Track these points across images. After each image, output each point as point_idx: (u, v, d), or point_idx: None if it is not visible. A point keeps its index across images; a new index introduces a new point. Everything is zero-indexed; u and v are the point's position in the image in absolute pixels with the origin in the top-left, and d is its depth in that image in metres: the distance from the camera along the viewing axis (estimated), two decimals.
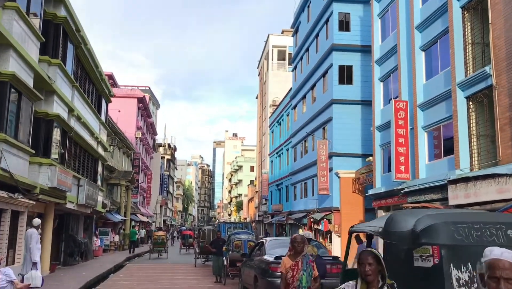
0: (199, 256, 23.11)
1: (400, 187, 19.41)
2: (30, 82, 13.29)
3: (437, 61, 18.15)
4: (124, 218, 37.53)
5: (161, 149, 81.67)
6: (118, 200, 38.36)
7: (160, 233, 29.68)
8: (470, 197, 14.38)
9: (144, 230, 48.51)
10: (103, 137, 24.40)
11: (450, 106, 16.78)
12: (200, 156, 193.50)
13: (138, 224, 46.00)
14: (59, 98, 15.99)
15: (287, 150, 43.11)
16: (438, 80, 17.85)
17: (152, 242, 28.68)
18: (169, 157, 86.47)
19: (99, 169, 24.07)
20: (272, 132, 51.68)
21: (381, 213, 22.23)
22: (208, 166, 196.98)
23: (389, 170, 21.91)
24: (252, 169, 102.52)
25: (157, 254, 28.47)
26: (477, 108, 15.63)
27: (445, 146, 17.60)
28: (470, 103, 15.73)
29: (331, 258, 9.72)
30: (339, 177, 28.41)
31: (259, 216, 56.59)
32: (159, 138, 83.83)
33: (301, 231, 36.62)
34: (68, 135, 17.28)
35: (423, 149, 18.84)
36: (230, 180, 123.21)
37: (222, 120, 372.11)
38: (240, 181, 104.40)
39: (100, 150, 23.40)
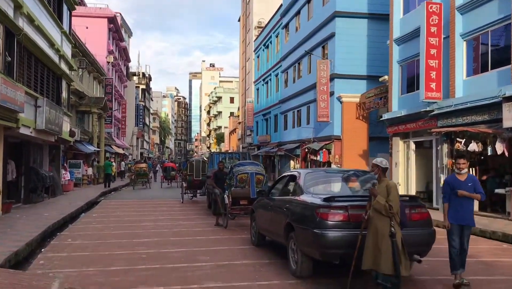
0: (186, 191, 19.98)
1: (428, 109, 16.24)
2: None
3: None
4: (98, 149, 33.88)
5: (135, 78, 76.60)
6: (90, 130, 34.50)
7: (142, 165, 31.46)
8: None
9: (124, 162, 45.02)
10: (67, 52, 20.16)
11: (506, 4, 13.30)
12: (175, 88, 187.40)
13: (113, 155, 42.48)
14: None
15: (276, 75, 39.34)
16: None
17: (135, 174, 30.28)
18: (144, 87, 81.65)
19: (64, 90, 20.08)
20: (258, 57, 47.50)
21: (397, 141, 19.25)
22: (184, 98, 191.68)
23: (408, 91, 18.68)
24: (232, 100, 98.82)
25: (141, 184, 30.04)
26: None
27: (493, 57, 14.30)
28: None
29: (407, 198, 6.49)
30: (341, 102, 25.17)
31: (243, 148, 53.65)
32: (133, 67, 78.56)
33: (292, 163, 33.85)
34: (16, 38, 13.20)
35: (461, 62, 15.52)
36: (208, 112, 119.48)
37: (196, 52, 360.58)
38: (220, 112, 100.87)
39: (63, 67, 19.29)
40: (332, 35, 25.76)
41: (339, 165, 24.93)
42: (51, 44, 17.19)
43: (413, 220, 6.14)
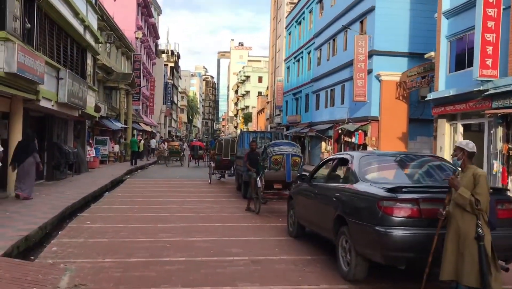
0: (214, 172, 19.02)
1: (482, 88, 14.64)
2: None
3: None
4: (125, 126, 33.29)
5: (164, 56, 75.73)
6: (118, 106, 33.89)
7: (175, 143, 34.10)
8: None
9: (154, 140, 44.24)
10: (93, 23, 19.25)
11: None
12: (204, 67, 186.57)
13: (141, 133, 41.97)
14: None
15: (309, 52, 37.74)
16: None
17: (168, 151, 31.63)
18: (172, 65, 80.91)
19: (89, 63, 19.24)
20: (290, 34, 45.81)
21: (442, 123, 17.71)
22: (212, 77, 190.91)
23: (457, 68, 17.05)
24: (260, 79, 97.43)
25: (173, 161, 31.50)
26: None
27: None
28: None
29: (491, 190, 5.20)
30: (380, 80, 23.59)
31: (271, 128, 52.41)
32: (162, 44, 77.72)
33: (324, 145, 32.51)
34: (36, 3, 12.26)
35: None
36: (236, 92, 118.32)
37: (224, 31, 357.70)
38: (248, 92, 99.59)
39: (88, 38, 18.39)
40: (371, 9, 24.05)
41: (375, 148, 23.52)
42: (75, 13, 16.26)
43: (499, 218, 4.90)
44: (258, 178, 10.59)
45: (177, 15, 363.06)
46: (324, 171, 7.31)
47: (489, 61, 14.20)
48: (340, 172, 6.61)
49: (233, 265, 6.36)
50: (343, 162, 6.53)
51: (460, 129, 17.03)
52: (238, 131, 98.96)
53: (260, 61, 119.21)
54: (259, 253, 7.04)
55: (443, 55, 17.67)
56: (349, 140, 25.76)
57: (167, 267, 6.22)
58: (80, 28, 17.01)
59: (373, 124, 23.77)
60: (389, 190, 4.93)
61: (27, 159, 11.30)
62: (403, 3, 23.77)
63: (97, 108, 20.90)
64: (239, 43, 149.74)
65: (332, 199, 5.98)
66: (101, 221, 9.64)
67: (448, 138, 17.57)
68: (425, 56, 19.23)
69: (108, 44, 32.33)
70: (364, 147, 24.61)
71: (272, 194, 10.87)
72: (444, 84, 17.63)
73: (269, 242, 7.82)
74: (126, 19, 41.95)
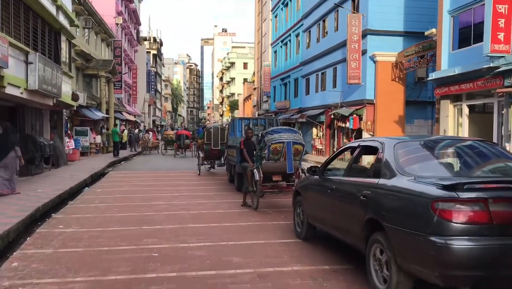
0: (203, 162, 17.73)
1: (492, 65, 13.53)
2: None
3: None
4: (107, 116, 31.66)
5: (146, 43, 73.52)
6: (99, 95, 32.22)
7: (170, 132, 34.71)
8: None
9: (144, 130, 42.46)
10: (66, 3, 17.61)
11: None
12: (187, 54, 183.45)
13: (124, 122, 40.33)
14: None
15: (297, 35, 36.38)
16: None
17: (164, 140, 32.41)
18: (155, 52, 78.91)
19: (64, 47, 17.67)
20: (276, 16, 44.32)
21: (446, 104, 16.62)
22: (196, 65, 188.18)
23: (462, 46, 15.92)
24: (245, 66, 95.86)
25: (169, 151, 31.05)
26: None
27: None
28: None
29: None
30: (375, 61, 22.43)
31: (259, 115, 51.10)
32: (144, 31, 75.52)
33: (315, 131, 31.34)
34: None
35: None
36: (221, 79, 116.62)
37: (208, 18, 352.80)
38: (233, 79, 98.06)
39: (62, 20, 16.79)
40: None
41: (371, 133, 22.44)
42: None
43: None
44: (255, 170, 9.33)
45: (159, 2, 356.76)
46: (339, 162, 6.08)
47: (501, 35, 13.07)
48: (368, 163, 5.39)
49: (236, 281, 5.13)
50: (369, 150, 5.30)
51: (466, 110, 15.96)
52: (224, 119, 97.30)
53: (244, 47, 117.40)
54: (266, 262, 5.81)
55: (445, 32, 16.51)
56: (343, 125, 24.65)
57: (153, 287, 4.96)
58: (51, 8, 15.42)
59: (368, 108, 22.65)
60: (446, 188, 3.71)
61: (9, 153, 10.74)
62: None
63: (74, 97, 19.36)
64: (223, 29, 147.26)
65: (359, 198, 4.76)
66: (77, 223, 8.33)
67: (452, 120, 16.50)
68: (426, 33, 18.05)
69: (86, 30, 30.58)
70: (359, 131, 23.52)
71: (271, 187, 9.63)
72: (447, 62, 16.49)
73: (275, 247, 6.60)
74: (105, 3, 39.90)
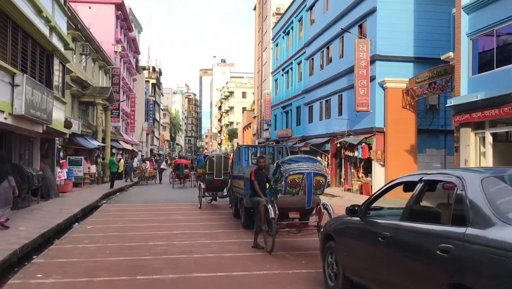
0: (204, 194, 16.40)
1: None
2: None
3: None
4: (103, 144, 30.46)
5: (145, 72, 73.09)
6: (95, 123, 31.09)
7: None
8: None
9: (142, 159, 41.03)
10: (61, 24, 16.61)
11: None
12: (186, 84, 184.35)
13: (120, 152, 39.06)
14: None
15: (299, 63, 35.60)
16: None
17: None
18: (154, 81, 78.53)
19: (57, 71, 16.58)
20: (277, 45, 43.74)
21: (466, 132, 15.46)
22: (194, 94, 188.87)
23: (482, 70, 14.89)
24: (244, 95, 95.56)
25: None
26: None
27: None
28: None
29: None
30: (384, 88, 21.41)
31: (259, 143, 49.94)
32: (143, 61, 75.17)
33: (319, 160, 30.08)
34: None
35: None
36: (220, 108, 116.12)
37: (206, 49, 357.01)
38: (232, 108, 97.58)
39: (56, 42, 15.75)
40: (372, 11, 21.97)
41: (381, 163, 21.23)
42: (38, 10, 13.64)
43: None
44: (270, 205, 8.03)
45: (158, 34, 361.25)
46: (394, 202, 4.81)
47: None
48: (442, 205, 4.13)
49: None
50: (444, 186, 4.04)
51: (489, 139, 14.79)
52: (223, 148, 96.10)
53: (243, 77, 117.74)
54: None
55: (464, 56, 15.50)
56: (351, 154, 23.43)
57: None
58: (44, 29, 14.38)
59: (378, 136, 21.50)
60: None
61: (2, 183, 10.26)
62: (406, 4, 21.78)
63: (67, 124, 18.16)
64: (222, 59, 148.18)
65: (435, 253, 3.48)
66: (59, 271, 6.97)
67: (474, 150, 15.31)
68: (441, 57, 17.09)
69: (83, 56, 29.71)
70: (367, 161, 22.33)
71: (289, 225, 8.31)
72: (467, 88, 15.43)
73: None
74: (104, 31, 39.33)
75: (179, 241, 9.45)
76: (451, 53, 16.31)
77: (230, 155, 19.32)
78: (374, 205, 4.97)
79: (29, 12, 12.81)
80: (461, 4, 15.49)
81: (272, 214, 7.90)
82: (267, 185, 8.62)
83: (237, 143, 43.27)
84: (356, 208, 4.96)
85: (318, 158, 13.26)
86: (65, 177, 19.52)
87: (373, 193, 5.15)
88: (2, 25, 11.30)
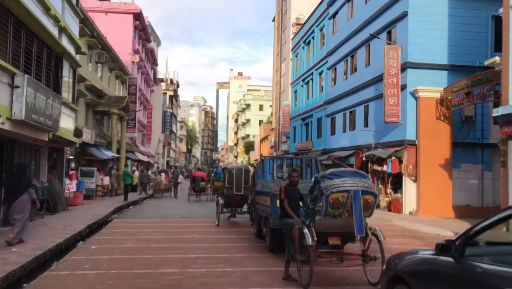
0: (223, 210, 15.00)
1: None
2: None
3: None
4: (117, 155, 29.36)
5: (163, 84, 72.52)
6: (110, 134, 30.06)
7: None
8: None
9: (157, 171, 40.03)
10: (72, 26, 15.55)
11: None
12: (203, 97, 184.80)
13: (135, 163, 37.99)
14: None
15: (320, 73, 34.26)
16: None
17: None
18: (171, 93, 77.89)
19: (67, 76, 15.48)
20: (296, 56, 42.52)
21: None
22: (211, 108, 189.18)
23: None
24: (261, 107, 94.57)
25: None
26: None
27: None
28: None
29: None
30: (416, 98, 19.86)
31: (284, 153, 48.47)
32: (161, 72, 74.65)
33: None
34: None
35: None
36: (236, 121, 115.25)
37: (222, 63, 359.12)
38: (248, 120, 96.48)
39: (65, 44, 14.67)
40: (403, 16, 20.53)
41: (413, 178, 19.61)
42: (45, 7, 12.57)
43: None
44: (307, 230, 6.58)
45: (176, 49, 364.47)
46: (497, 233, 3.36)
47: None
48: None
49: None
50: None
51: None
52: (239, 160, 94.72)
53: (259, 90, 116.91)
54: None
55: None
56: (379, 168, 21.84)
57: None
58: (52, 29, 13.29)
59: (409, 149, 19.89)
60: None
61: (21, 196, 9.71)
62: (439, 7, 20.29)
63: (77, 133, 17.01)
64: (239, 73, 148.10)
65: None
66: None
67: None
68: (486, 63, 15.53)
69: (99, 65, 28.83)
70: (397, 176, 20.71)
71: (331, 254, 6.84)
72: None
73: None
74: (122, 40, 38.66)
75: (194, 268, 8.03)
76: (497, 58, 14.75)
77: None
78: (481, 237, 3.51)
79: (34, 8, 11.72)
80: (509, 4, 13.98)
81: (309, 241, 6.43)
82: (300, 203, 7.18)
83: (261, 154, 41.75)
84: (448, 245, 3.48)
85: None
86: (74, 189, 18.32)
87: (474, 224, 3.61)
88: (2, 20, 10.17)
